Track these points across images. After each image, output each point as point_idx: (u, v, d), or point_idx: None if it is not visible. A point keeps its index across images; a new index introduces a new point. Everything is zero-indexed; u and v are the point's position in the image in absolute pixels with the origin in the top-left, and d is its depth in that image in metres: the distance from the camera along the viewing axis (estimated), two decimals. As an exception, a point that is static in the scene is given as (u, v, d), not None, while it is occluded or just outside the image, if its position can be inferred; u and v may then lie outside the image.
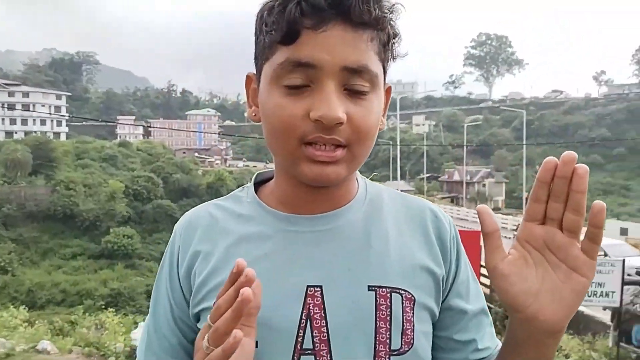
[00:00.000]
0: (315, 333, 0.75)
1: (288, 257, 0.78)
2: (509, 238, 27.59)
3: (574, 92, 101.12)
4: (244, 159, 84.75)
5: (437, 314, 0.83)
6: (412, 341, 0.78)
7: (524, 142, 49.95)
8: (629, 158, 67.87)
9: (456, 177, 59.41)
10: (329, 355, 0.75)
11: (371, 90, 0.75)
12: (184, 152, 74.83)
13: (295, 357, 0.74)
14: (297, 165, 0.75)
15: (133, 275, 31.96)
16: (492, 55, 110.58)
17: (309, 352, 0.74)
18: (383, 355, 0.76)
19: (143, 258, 35.72)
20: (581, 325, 10.89)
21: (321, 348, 0.75)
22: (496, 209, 51.12)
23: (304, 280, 0.77)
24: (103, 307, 13.47)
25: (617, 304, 7.96)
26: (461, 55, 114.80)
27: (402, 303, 0.78)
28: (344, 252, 0.80)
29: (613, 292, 7.75)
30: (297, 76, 0.72)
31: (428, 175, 61.54)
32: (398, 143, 40.39)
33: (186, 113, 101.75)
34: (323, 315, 0.76)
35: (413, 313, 0.79)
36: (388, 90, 0.84)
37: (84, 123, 77.99)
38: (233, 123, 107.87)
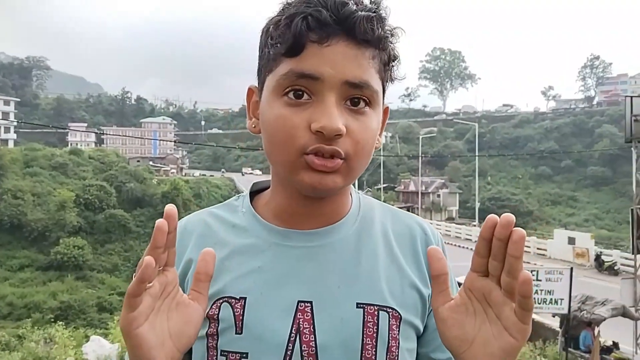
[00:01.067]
0: (304, 347, 0.76)
1: (281, 271, 0.79)
2: (463, 247, 28.15)
3: (524, 107, 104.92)
4: (201, 168, 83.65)
5: (422, 331, 0.85)
6: (396, 358, 0.80)
7: (477, 154, 51.31)
8: (575, 170, 70.78)
9: (412, 188, 60.40)
10: None
11: (370, 107, 0.77)
12: (138, 161, 73.12)
13: None
14: (297, 174, 0.76)
15: (84, 287, 30.91)
16: (446, 70, 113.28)
17: None
18: None
19: (94, 269, 34.63)
20: (532, 332, 11.26)
21: None
22: (450, 219, 52.22)
23: (295, 295, 0.78)
24: (52, 320, 12.97)
25: (565, 311, 8.29)
26: (416, 69, 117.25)
27: (389, 321, 0.80)
28: (335, 269, 0.81)
29: (561, 299, 8.08)
30: (300, 88, 0.73)
31: (385, 185, 62.36)
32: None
33: (141, 121, 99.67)
34: (312, 330, 0.77)
35: (399, 331, 0.80)
36: (386, 111, 0.86)
37: (33, 130, 75.21)
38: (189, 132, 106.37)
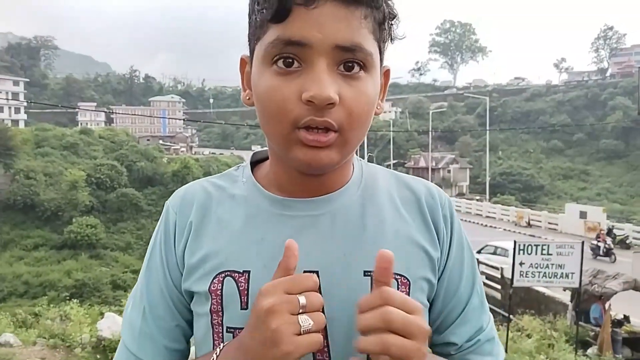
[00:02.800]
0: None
1: (284, 241, 0.72)
2: (473, 222, 28.08)
3: (536, 79, 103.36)
4: (210, 147, 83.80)
5: (435, 290, 0.84)
6: None
7: (487, 129, 50.86)
8: (588, 143, 69.98)
9: (422, 164, 60.17)
10: (325, 340, 0.75)
11: (366, 71, 0.72)
12: (148, 140, 73.39)
13: None
14: (290, 150, 0.72)
15: (97, 266, 31.37)
16: (456, 43, 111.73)
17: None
18: None
19: (107, 248, 35.09)
20: (542, 305, 11.28)
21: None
22: (460, 194, 52.08)
23: (301, 264, 0.72)
24: (67, 298, 13.15)
25: (576, 285, 8.26)
26: (426, 42, 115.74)
27: (398, 287, 0.78)
28: (340, 237, 0.78)
29: (572, 273, 8.03)
30: (288, 55, 0.69)
31: (395, 161, 62.17)
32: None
33: (150, 99, 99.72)
34: None
35: (408, 296, 0.76)
36: (386, 73, 0.82)
37: (43, 110, 75.57)
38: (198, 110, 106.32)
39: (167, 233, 0.83)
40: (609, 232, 23.19)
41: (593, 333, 9.36)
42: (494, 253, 16.33)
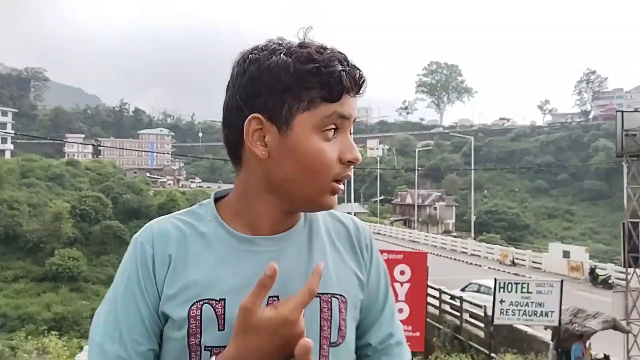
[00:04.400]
0: None
1: (252, 273, 0.89)
2: (458, 260, 28.17)
3: (520, 120, 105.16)
4: (197, 179, 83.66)
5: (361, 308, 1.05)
6: (345, 334, 0.98)
7: (472, 168, 51.51)
8: (572, 184, 71.07)
9: (408, 200, 60.51)
10: None
11: None
12: (135, 172, 73.21)
13: None
14: (323, 197, 0.93)
15: (78, 299, 30.84)
16: (442, 83, 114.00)
17: None
18: (325, 347, 0.95)
19: (89, 281, 34.56)
20: (525, 344, 11.28)
21: None
22: (447, 232, 52.25)
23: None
24: (46, 331, 12.90)
25: (556, 323, 8.35)
26: (413, 82, 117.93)
27: (339, 305, 0.97)
28: (295, 267, 0.95)
29: (552, 311, 8.15)
30: (335, 125, 0.92)
31: (382, 198, 62.46)
32: (352, 166, 40.86)
33: (138, 132, 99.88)
34: None
35: (346, 312, 0.98)
36: None
37: (31, 141, 75.24)
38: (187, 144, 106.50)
39: (144, 264, 0.93)
40: (592, 271, 23.37)
41: (574, 372, 9.35)
42: (478, 291, 16.34)
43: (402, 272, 7.28)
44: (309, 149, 0.90)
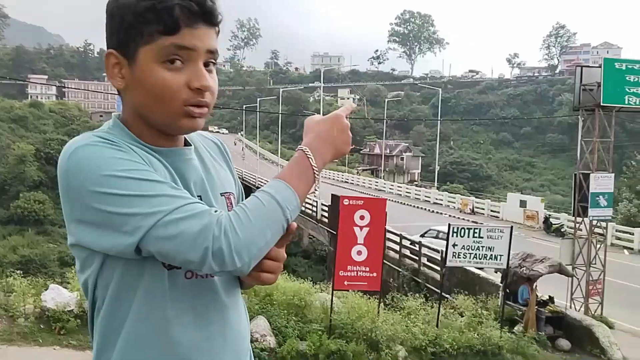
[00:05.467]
0: None
1: (189, 174, 1.11)
2: (422, 209, 28.82)
3: (490, 73, 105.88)
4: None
5: None
6: None
7: (439, 119, 52.11)
8: (535, 137, 72.64)
9: (377, 150, 61.09)
10: None
11: (214, 66, 1.09)
12: (102, 116, 71.40)
13: None
14: (178, 120, 1.04)
15: (45, 242, 30.69)
16: (415, 33, 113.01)
17: None
18: None
19: (56, 224, 34.28)
20: (477, 286, 11.99)
21: None
22: (413, 182, 53.33)
23: (195, 192, 1.11)
24: (13, 272, 12.97)
25: (504, 266, 8.93)
26: (386, 32, 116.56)
27: (232, 200, 1.21)
28: (203, 174, 1.16)
29: (501, 255, 8.67)
30: (176, 57, 1.01)
31: (351, 147, 62.74)
32: (322, 115, 40.74)
33: (104, 74, 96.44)
34: None
35: (232, 205, 1.20)
36: None
37: (-12, 80, 72.09)
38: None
39: (137, 157, 1.02)
40: (546, 220, 24.49)
41: (520, 312, 10.05)
42: (436, 237, 17.03)
43: (361, 217, 7.58)
44: (152, 79, 1.01)
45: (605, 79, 11.18)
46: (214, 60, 1.07)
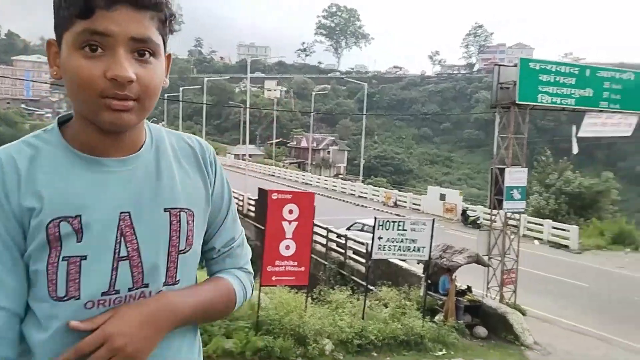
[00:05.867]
0: (128, 245, 1.02)
1: (104, 191, 1.00)
2: (347, 202, 29.20)
3: (412, 69, 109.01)
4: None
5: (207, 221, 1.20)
6: (192, 243, 1.12)
7: (364, 113, 53.06)
8: (453, 132, 75.84)
9: (304, 144, 61.32)
10: (139, 259, 1.04)
11: (154, 57, 0.98)
12: (9, 103, 66.74)
13: (114, 263, 1.01)
14: (97, 114, 0.95)
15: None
16: (341, 27, 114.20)
17: (125, 258, 1.02)
18: (174, 254, 1.08)
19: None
20: (399, 278, 12.29)
21: (133, 254, 1.03)
22: (338, 175, 54.00)
23: (118, 208, 1.01)
24: None
25: (426, 257, 9.20)
26: (313, 24, 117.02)
27: (187, 218, 1.10)
28: (145, 186, 1.05)
29: (423, 247, 8.93)
30: (94, 43, 0.92)
31: (278, 140, 62.63)
32: (248, 107, 40.09)
33: (12, 58, 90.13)
34: (133, 232, 1.03)
35: (193, 223, 1.12)
36: (168, 57, 1.08)
37: None
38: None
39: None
40: (463, 213, 25.59)
41: (441, 302, 10.40)
42: (362, 230, 17.30)
43: (290, 211, 7.53)
44: (70, 67, 0.94)
45: (521, 78, 11.69)
46: (149, 50, 0.96)
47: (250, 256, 1.31)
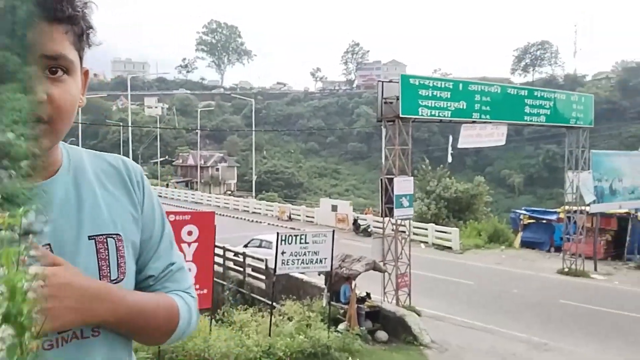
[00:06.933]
0: None
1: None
2: (241, 219, 28.82)
3: (296, 85, 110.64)
4: None
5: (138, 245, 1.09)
6: (125, 271, 1.03)
7: (253, 129, 53.08)
8: (338, 145, 78.28)
9: (190, 162, 59.76)
10: None
11: (69, 74, 0.91)
12: None
13: None
14: None
15: None
16: (223, 43, 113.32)
17: None
18: None
19: None
20: (301, 290, 12.42)
21: None
22: (229, 192, 53.30)
23: (38, 241, 0.90)
24: None
25: (328, 268, 9.41)
26: (194, 40, 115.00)
27: (116, 244, 1.01)
28: (63, 214, 0.96)
29: (325, 258, 9.14)
30: None
31: (162, 159, 60.43)
32: (130, 125, 38.35)
33: None
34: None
35: (124, 250, 1.03)
36: (86, 73, 1.02)
37: None
38: None
39: None
40: (355, 222, 26.50)
41: (343, 310, 10.67)
42: (260, 246, 17.26)
43: (189, 233, 7.29)
44: None
45: (403, 93, 12.44)
46: (62, 67, 0.88)
47: (192, 282, 1.19)
